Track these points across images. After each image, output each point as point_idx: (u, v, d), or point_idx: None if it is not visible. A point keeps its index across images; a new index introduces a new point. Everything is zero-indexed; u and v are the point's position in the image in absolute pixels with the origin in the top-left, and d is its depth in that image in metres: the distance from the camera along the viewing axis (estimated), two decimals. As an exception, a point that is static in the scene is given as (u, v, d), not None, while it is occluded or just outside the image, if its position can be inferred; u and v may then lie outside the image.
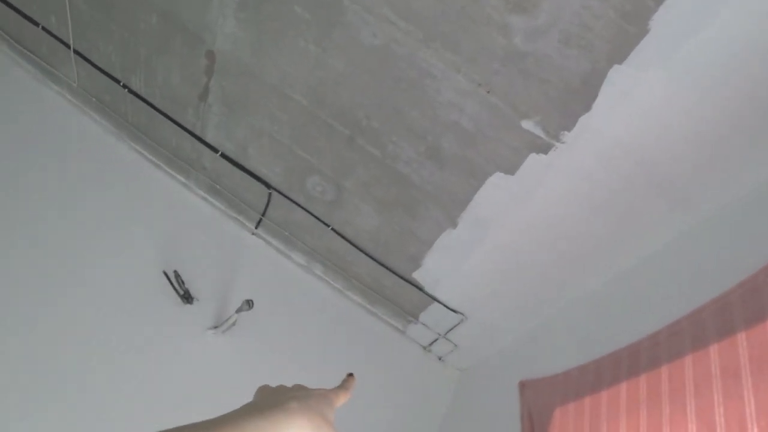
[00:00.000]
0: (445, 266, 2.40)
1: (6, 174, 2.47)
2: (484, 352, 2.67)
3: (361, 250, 2.55)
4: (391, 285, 2.65)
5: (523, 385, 2.12)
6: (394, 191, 2.24)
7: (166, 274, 2.44)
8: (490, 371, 2.57)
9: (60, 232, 2.43)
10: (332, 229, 2.55)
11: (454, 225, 2.20)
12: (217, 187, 2.74)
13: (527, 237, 2.08)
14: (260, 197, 2.66)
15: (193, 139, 2.59)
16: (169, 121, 2.58)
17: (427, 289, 2.55)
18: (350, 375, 0.70)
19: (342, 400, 0.63)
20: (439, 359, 2.88)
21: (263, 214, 2.72)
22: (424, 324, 2.74)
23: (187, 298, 2.50)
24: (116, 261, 2.48)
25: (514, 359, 2.41)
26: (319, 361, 2.62)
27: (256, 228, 2.83)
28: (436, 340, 2.78)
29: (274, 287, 2.72)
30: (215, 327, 2.52)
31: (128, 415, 2.18)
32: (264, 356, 2.56)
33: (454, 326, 2.62)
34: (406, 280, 2.55)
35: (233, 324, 2.42)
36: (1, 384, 2.02)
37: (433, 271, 2.45)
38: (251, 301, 2.29)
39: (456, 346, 2.74)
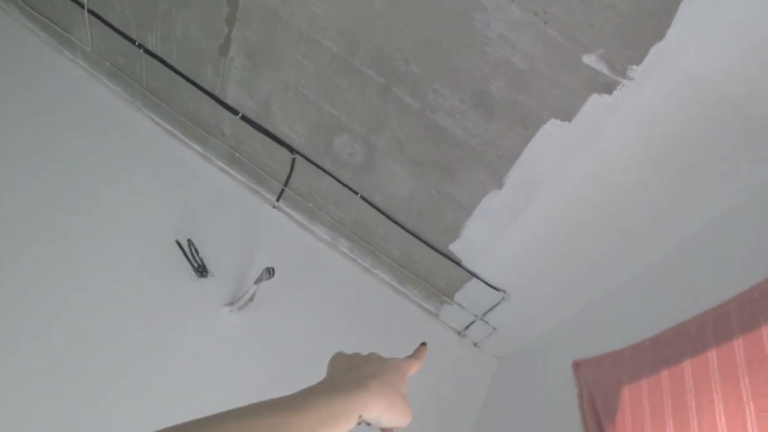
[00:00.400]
0: (487, 236, 2.16)
1: (19, 145, 2.30)
2: (524, 337, 2.42)
3: (392, 220, 2.33)
4: (425, 261, 2.42)
5: (577, 365, 1.87)
6: (432, 148, 2.02)
7: (179, 243, 2.23)
8: (531, 357, 2.32)
9: (70, 204, 2.25)
10: (361, 196, 2.33)
11: (500, 185, 1.98)
12: (237, 155, 2.54)
13: (580, 199, 1.85)
14: (283, 165, 2.45)
15: (212, 101, 2.40)
16: (186, 83, 2.39)
17: (465, 263, 2.31)
18: (423, 344, 0.68)
19: (414, 369, 0.61)
20: (475, 345, 2.63)
21: (285, 184, 2.51)
22: (459, 305, 2.49)
23: (201, 271, 2.29)
24: (128, 232, 2.29)
25: (560, 343, 2.16)
26: (342, 343, 2.37)
27: (277, 201, 2.62)
28: (472, 323, 2.53)
29: (295, 264, 2.50)
30: (231, 303, 2.29)
31: (137, 396, 1.96)
32: (282, 336, 2.33)
33: (494, 306, 2.38)
34: (442, 254, 2.32)
35: (251, 299, 2.20)
36: (8, 362, 1.81)
37: (473, 242, 2.21)
38: (272, 269, 2.07)
39: (494, 329, 2.49)
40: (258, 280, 2.10)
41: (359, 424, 0.51)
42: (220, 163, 2.66)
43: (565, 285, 2.15)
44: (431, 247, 2.32)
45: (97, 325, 2.02)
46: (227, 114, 2.41)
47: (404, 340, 2.29)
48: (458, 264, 2.31)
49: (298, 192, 2.52)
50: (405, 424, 0.57)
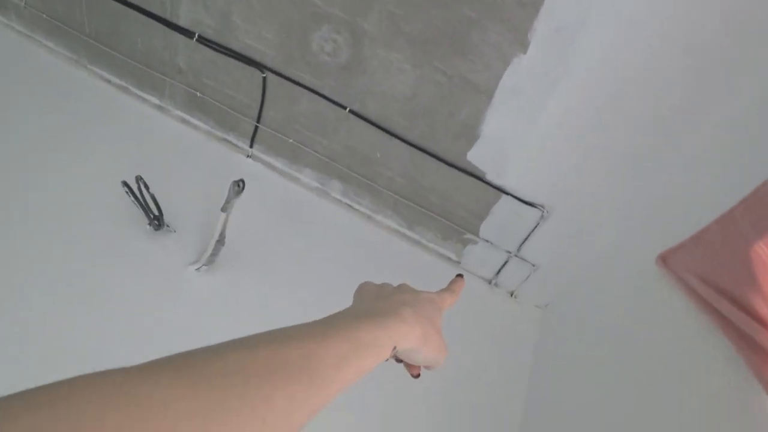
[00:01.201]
0: (514, 129, 1.70)
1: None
2: (573, 269, 1.89)
3: (391, 134, 1.86)
4: (437, 185, 1.93)
5: (665, 258, 1.38)
6: (435, 15, 1.60)
7: (126, 185, 1.74)
8: (583, 297, 1.80)
9: (18, 177, 1.85)
10: (350, 110, 1.87)
11: (524, 47, 1.54)
12: (198, 95, 2.10)
13: (633, 50, 1.41)
14: (253, 93, 2.01)
15: (164, 29, 1.99)
16: (132, 13, 1.99)
17: (489, 177, 1.82)
18: (459, 276, 0.62)
19: (449, 302, 0.56)
20: (512, 295, 2.08)
21: (258, 120, 2.05)
22: (486, 241, 1.98)
23: (157, 220, 1.80)
24: (80, 194, 1.86)
25: (618, 266, 1.65)
26: (342, 305, 1.84)
27: (251, 146, 2.15)
28: (505, 263, 2.01)
29: (279, 219, 2.03)
30: (198, 262, 1.78)
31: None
32: (267, 301, 1.83)
33: (531, 232, 1.87)
34: (459, 168, 1.84)
35: (220, 242, 1.70)
36: None
37: (497, 143, 1.74)
38: (241, 181, 1.58)
39: (533, 267, 1.97)
40: (226, 205, 1.60)
41: (392, 356, 0.45)
42: (179, 113, 2.22)
43: (620, 183, 1.66)
44: (444, 161, 1.84)
45: (42, 290, 1.54)
46: (182, 40, 1.99)
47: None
48: (481, 179, 1.82)
49: (274, 127, 2.06)
50: (440, 362, 0.50)
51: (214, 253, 1.77)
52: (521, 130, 1.69)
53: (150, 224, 1.82)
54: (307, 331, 0.38)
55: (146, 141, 2.13)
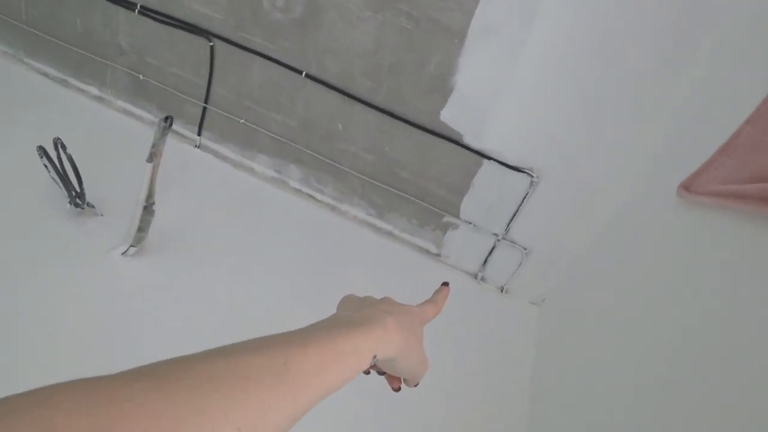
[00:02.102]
0: (492, 75, 1.46)
1: None
2: (573, 248, 1.59)
3: (354, 98, 1.61)
4: (409, 158, 1.67)
5: (686, 187, 1.12)
6: (395, -56, 1.40)
7: (42, 152, 1.46)
8: (584, 284, 1.49)
9: None
10: (307, 75, 1.64)
11: (499, -30, 1.34)
12: (141, 78, 1.87)
13: None
14: (200, 69, 1.79)
15: (105, 4, 1.80)
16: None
17: (467, 139, 1.57)
18: (444, 284, 0.59)
19: (431, 314, 0.54)
20: (502, 290, 1.75)
21: (206, 100, 1.81)
22: (469, 223, 1.68)
23: (80, 198, 1.51)
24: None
25: (628, 237, 1.37)
26: (305, 308, 1.52)
27: (199, 134, 1.90)
28: (492, 250, 1.70)
29: (230, 213, 1.74)
30: (125, 245, 1.48)
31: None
32: (206, 292, 1.50)
33: (520, 205, 1.58)
34: (432, 132, 1.58)
35: (150, 203, 1.41)
36: None
37: (473, 95, 1.51)
38: (169, 117, 1.30)
39: (525, 251, 1.66)
40: (153, 152, 1.32)
41: (372, 366, 0.45)
42: (121, 103, 1.98)
43: (620, 128, 1.41)
44: (415, 125, 1.58)
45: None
46: (123, 14, 1.80)
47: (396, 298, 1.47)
48: (458, 143, 1.56)
49: (224, 108, 1.82)
50: (421, 375, 0.50)
51: (143, 227, 1.46)
52: (500, 77, 1.45)
53: (71, 203, 1.52)
54: (287, 340, 0.37)
55: (86, 133, 1.88)
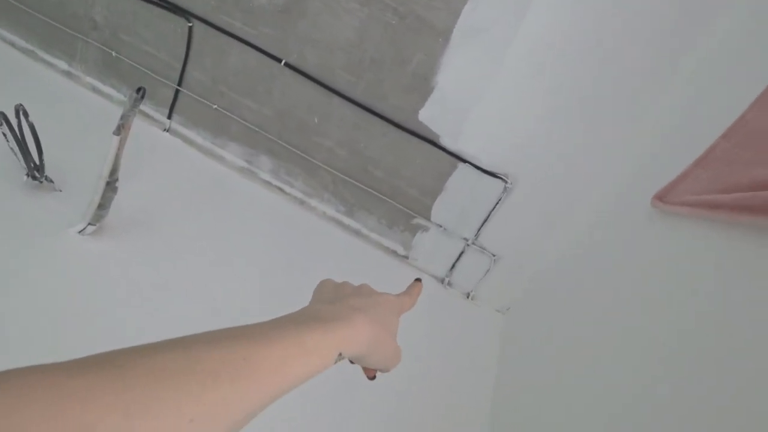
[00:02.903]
0: (473, 78, 1.46)
1: None
2: (540, 257, 1.58)
3: (332, 90, 1.59)
4: (383, 156, 1.64)
5: (660, 198, 1.13)
6: (386, -63, 1.39)
7: (3, 118, 1.39)
8: (554, 292, 1.48)
9: None
10: (286, 64, 1.61)
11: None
12: (113, 55, 1.81)
13: None
14: (176, 51, 1.74)
15: (80, -25, 1.73)
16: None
17: (444, 140, 1.55)
18: (417, 280, 0.59)
19: (408, 306, 0.54)
20: (468, 297, 1.73)
21: (180, 82, 1.76)
22: (439, 226, 1.66)
23: (38, 171, 1.45)
24: None
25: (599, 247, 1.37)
26: (267, 300, 1.48)
27: (169, 117, 1.84)
28: (461, 255, 1.68)
29: (195, 199, 1.68)
30: (84, 219, 1.42)
31: None
32: (163, 277, 1.43)
33: (491, 210, 1.57)
34: (409, 131, 1.56)
35: (112, 185, 1.34)
36: None
37: (453, 96, 1.50)
38: (142, 88, 1.25)
39: (494, 257, 1.64)
40: (121, 124, 1.26)
41: (339, 362, 0.42)
42: (90, 79, 1.90)
43: (597, 138, 1.42)
44: (392, 122, 1.56)
45: None
46: (99, -12, 1.73)
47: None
48: (435, 144, 1.55)
49: (197, 92, 1.77)
50: (392, 367, 0.49)
51: (104, 204, 1.39)
52: (481, 80, 1.44)
53: (28, 174, 1.45)
54: (249, 334, 0.36)
55: (51, 107, 1.80)
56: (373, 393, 1.32)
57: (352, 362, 0.48)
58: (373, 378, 0.52)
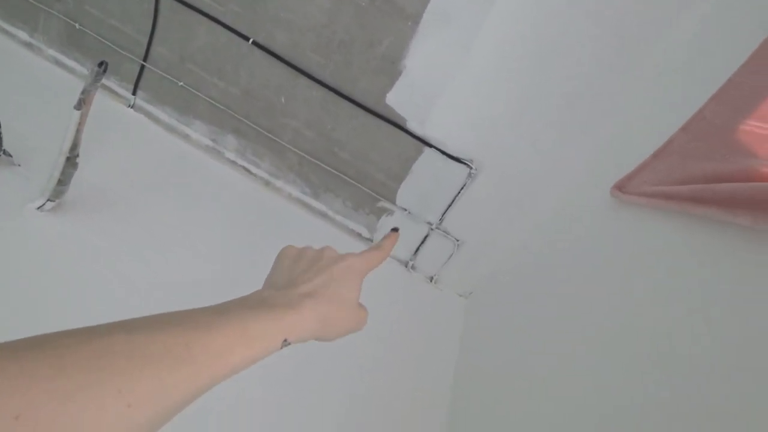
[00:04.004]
0: (441, 64, 1.47)
1: None
2: (501, 248, 1.61)
3: (300, 71, 1.58)
4: (350, 140, 1.65)
5: (620, 187, 1.16)
6: None
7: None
8: (514, 282, 1.51)
9: None
10: (254, 43, 1.59)
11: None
12: (77, 27, 1.77)
13: None
14: (142, 26, 1.71)
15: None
16: None
17: (411, 125, 1.56)
18: (394, 230, 0.61)
19: (376, 261, 0.54)
20: (431, 281, 1.76)
21: (145, 58, 1.73)
22: (404, 209, 1.68)
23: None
24: None
25: (559, 233, 1.40)
26: (227, 282, 1.47)
27: (134, 93, 1.81)
28: (425, 238, 1.69)
29: (159, 177, 1.66)
30: (43, 195, 1.39)
31: None
32: (123, 254, 1.41)
33: (455, 197, 1.59)
34: (377, 115, 1.56)
35: (74, 160, 1.32)
36: None
37: (421, 81, 1.50)
38: (104, 63, 1.22)
39: (457, 243, 1.67)
40: (82, 98, 1.24)
41: (285, 347, 0.42)
42: (52, 52, 1.85)
43: (560, 126, 1.44)
44: (360, 105, 1.56)
45: None
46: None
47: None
48: (401, 128, 1.55)
49: (163, 68, 1.74)
50: (354, 330, 0.49)
51: (63, 180, 1.36)
52: (449, 66, 1.45)
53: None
54: (194, 318, 0.36)
55: (9, 78, 1.75)
56: (334, 371, 1.33)
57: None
58: None
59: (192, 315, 0.37)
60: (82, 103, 1.26)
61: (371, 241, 1.77)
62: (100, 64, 1.22)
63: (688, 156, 1.04)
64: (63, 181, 1.37)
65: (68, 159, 1.33)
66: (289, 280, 0.49)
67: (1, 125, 1.41)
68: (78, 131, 1.30)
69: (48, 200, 1.40)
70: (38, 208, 1.41)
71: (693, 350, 0.70)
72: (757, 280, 0.67)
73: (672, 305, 0.81)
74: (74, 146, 1.32)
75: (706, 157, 0.98)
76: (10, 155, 1.47)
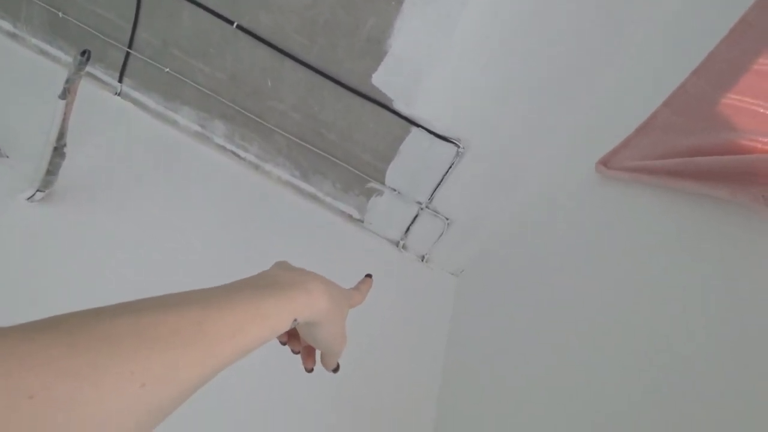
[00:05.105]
0: (426, 42, 1.46)
1: None
2: (491, 225, 1.62)
3: (285, 54, 1.57)
4: (337, 120, 1.65)
5: (605, 163, 1.17)
6: None
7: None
8: (503, 259, 1.52)
9: None
10: (238, 26, 1.58)
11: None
12: (60, 15, 1.75)
13: None
14: (126, 13, 1.70)
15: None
16: None
17: (397, 105, 1.56)
18: (368, 276, 0.60)
19: (357, 301, 0.54)
20: (423, 260, 1.77)
21: (130, 44, 1.72)
22: (393, 190, 1.68)
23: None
24: None
25: (546, 210, 1.41)
26: (219, 268, 1.48)
27: (120, 81, 1.80)
28: (415, 218, 1.70)
29: (148, 164, 1.66)
30: (32, 186, 1.39)
31: None
32: (115, 241, 1.42)
33: (444, 175, 1.59)
34: (363, 95, 1.56)
35: (61, 149, 1.32)
36: None
37: (406, 60, 1.50)
38: (87, 51, 1.22)
39: (447, 222, 1.68)
40: (67, 87, 1.24)
41: (293, 327, 0.42)
42: (36, 41, 1.84)
43: (545, 104, 1.44)
44: (346, 86, 1.56)
45: None
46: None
47: (320, 263, 1.45)
48: (388, 108, 1.56)
49: (148, 54, 1.73)
50: (338, 350, 0.50)
51: (52, 170, 1.37)
52: (434, 45, 1.45)
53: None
54: (205, 297, 0.35)
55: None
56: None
57: (294, 352, 0.52)
58: (311, 371, 0.53)
59: (203, 294, 0.36)
60: (66, 93, 1.26)
61: (362, 222, 1.78)
62: (83, 52, 1.22)
63: (670, 130, 1.04)
64: (51, 171, 1.38)
65: (55, 149, 1.34)
66: (293, 270, 0.49)
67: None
68: (64, 120, 1.30)
69: (37, 191, 1.40)
70: (28, 198, 1.41)
71: (674, 323, 0.72)
72: (735, 253, 0.69)
73: (654, 278, 0.82)
74: (61, 136, 1.33)
75: (687, 131, 0.98)
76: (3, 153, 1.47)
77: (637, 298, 0.84)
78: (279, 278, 0.44)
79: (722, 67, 0.98)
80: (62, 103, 1.27)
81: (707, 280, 0.71)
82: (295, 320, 0.41)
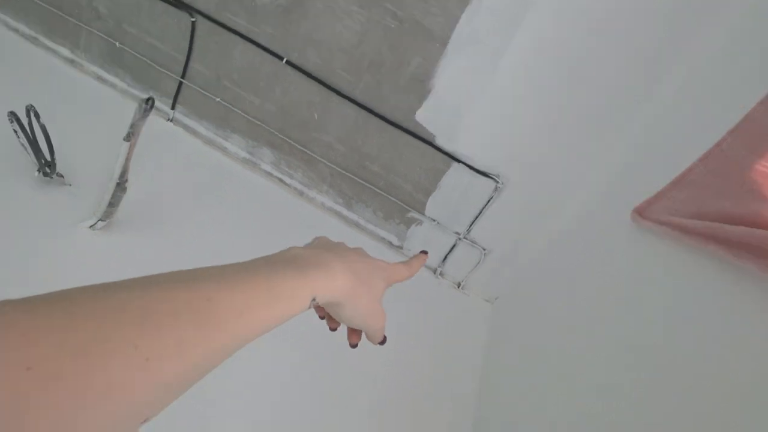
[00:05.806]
0: (469, 83, 1.52)
1: None
2: (527, 255, 1.68)
3: (332, 89, 1.64)
4: (381, 153, 1.71)
5: (641, 211, 1.21)
6: (387, -56, 1.43)
7: (14, 117, 1.44)
8: (537, 288, 1.58)
9: None
10: (287, 61, 1.66)
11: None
12: (117, 45, 1.85)
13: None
14: (179, 44, 1.78)
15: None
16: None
17: (440, 141, 1.62)
18: (423, 252, 0.58)
19: (402, 276, 0.53)
20: (458, 287, 1.84)
21: (183, 75, 1.81)
22: (433, 220, 1.75)
23: (49, 167, 1.50)
24: None
25: (580, 247, 1.45)
26: None
27: (172, 108, 1.89)
28: (453, 248, 1.77)
29: (199, 190, 1.74)
30: (95, 215, 1.49)
31: None
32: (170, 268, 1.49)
33: (483, 208, 1.66)
34: (406, 131, 1.63)
35: (123, 183, 1.41)
36: None
37: (449, 99, 1.56)
38: (150, 99, 1.31)
39: (484, 252, 1.74)
40: (130, 131, 1.32)
41: (313, 306, 0.41)
42: (93, 67, 1.94)
43: (583, 145, 1.49)
44: (390, 122, 1.62)
45: None
46: (103, -22, 1.75)
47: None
48: (430, 144, 1.62)
49: (200, 84, 1.81)
50: (375, 327, 0.47)
51: (114, 203, 1.46)
52: (477, 85, 1.51)
53: (40, 171, 1.51)
54: (217, 274, 0.35)
55: (55, 96, 1.83)
56: (361, 375, 1.43)
57: (332, 329, 0.50)
58: (354, 346, 0.51)
59: (216, 270, 0.36)
60: (130, 136, 1.35)
61: (401, 249, 1.86)
62: (147, 100, 1.31)
63: (705, 189, 1.08)
64: (113, 204, 1.48)
65: (118, 184, 1.43)
66: (325, 247, 0.48)
67: (55, 152, 1.50)
68: (127, 160, 1.39)
69: (99, 220, 1.50)
70: (90, 227, 1.51)
71: (687, 373, 0.78)
72: (757, 326, 0.74)
73: (677, 331, 0.88)
74: (123, 173, 1.42)
75: (720, 193, 1.02)
76: (62, 176, 1.57)
77: (664, 342, 0.89)
78: (298, 256, 0.42)
79: (758, 131, 1.01)
80: (126, 144, 1.36)
81: (726, 347, 0.76)
82: (314, 300, 0.40)
